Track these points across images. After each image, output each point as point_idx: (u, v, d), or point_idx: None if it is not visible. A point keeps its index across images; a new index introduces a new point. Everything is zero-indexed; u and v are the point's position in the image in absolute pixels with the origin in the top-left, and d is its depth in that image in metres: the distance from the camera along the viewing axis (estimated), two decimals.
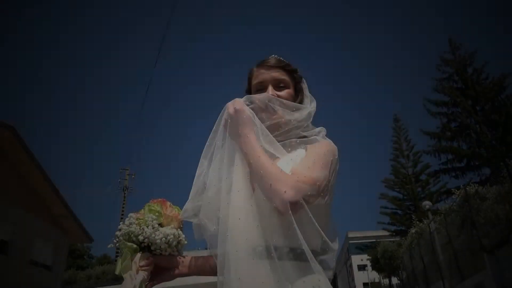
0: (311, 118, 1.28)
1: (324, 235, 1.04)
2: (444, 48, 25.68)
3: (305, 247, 0.98)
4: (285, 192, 0.96)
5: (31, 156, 13.70)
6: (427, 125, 26.76)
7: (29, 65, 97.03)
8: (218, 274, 1.02)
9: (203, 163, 1.20)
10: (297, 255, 1.00)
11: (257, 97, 1.21)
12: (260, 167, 1.03)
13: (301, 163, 1.09)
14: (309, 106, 1.29)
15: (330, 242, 1.06)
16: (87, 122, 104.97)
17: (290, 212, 0.96)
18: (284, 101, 1.22)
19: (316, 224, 1.01)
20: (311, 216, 1.00)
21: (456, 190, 12.60)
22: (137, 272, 1.10)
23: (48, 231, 15.99)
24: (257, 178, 1.04)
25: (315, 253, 1.04)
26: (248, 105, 1.17)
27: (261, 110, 1.20)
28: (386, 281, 30.76)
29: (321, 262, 1.05)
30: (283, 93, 1.26)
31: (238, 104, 1.15)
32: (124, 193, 29.97)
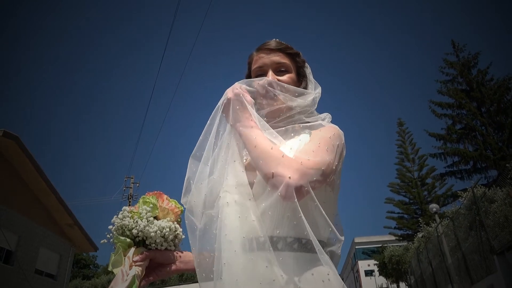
0: (316, 105, 1.21)
1: (331, 224, 0.97)
2: (448, 49, 25.69)
3: (312, 236, 0.91)
4: (289, 177, 0.89)
5: (36, 166, 13.75)
6: (432, 129, 26.61)
7: (33, 73, 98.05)
8: (215, 270, 0.95)
9: (195, 159, 1.13)
10: (302, 245, 0.94)
11: (257, 81, 1.14)
12: (262, 151, 0.96)
13: (305, 146, 1.02)
14: (314, 91, 1.21)
15: (337, 232, 0.99)
16: (91, 131, 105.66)
17: (295, 199, 0.88)
18: (286, 85, 1.15)
19: (323, 211, 0.94)
20: (318, 203, 0.93)
21: (462, 193, 12.46)
22: (130, 267, 1.03)
23: (53, 241, 15.98)
24: (258, 163, 0.97)
25: (322, 244, 0.98)
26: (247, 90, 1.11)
27: (261, 96, 1.14)
28: (394, 286, 30.41)
29: (328, 253, 0.99)
30: (284, 77, 1.19)
31: (237, 88, 1.09)
32: (129, 202, 30.00)
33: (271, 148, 0.96)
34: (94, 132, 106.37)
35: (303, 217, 0.92)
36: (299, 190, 0.89)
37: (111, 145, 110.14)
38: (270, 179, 0.92)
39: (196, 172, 1.10)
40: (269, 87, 1.13)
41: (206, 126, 1.13)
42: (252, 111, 1.06)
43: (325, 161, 0.97)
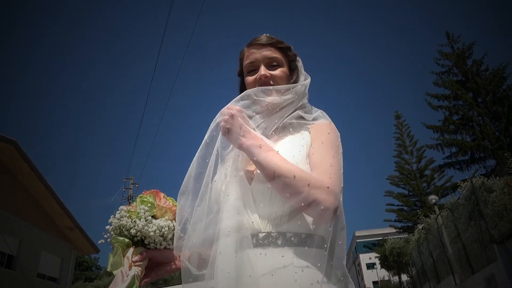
0: (306, 91, 1.20)
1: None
2: (443, 41, 25.65)
3: (311, 231, 0.94)
4: (322, 208, 0.90)
5: (34, 170, 13.69)
6: (429, 121, 26.69)
7: (30, 77, 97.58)
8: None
9: (186, 196, 1.09)
10: (301, 240, 0.96)
11: (250, 93, 1.13)
12: (285, 181, 0.93)
13: (319, 156, 1.02)
14: (301, 82, 1.20)
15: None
16: (89, 133, 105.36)
17: (331, 220, 0.93)
18: (271, 88, 1.14)
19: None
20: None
21: (461, 183, 12.49)
22: (130, 268, 1.03)
23: (54, 244, 15.95)
24: (284, 195, 0.94)
25: (322, 239, 0.99)
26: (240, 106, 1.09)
27: (252, 104, 1.13)
28: (396, 278, 30.55)
29: (329, 247, 1.00)
30: (276, 72, 1.19)
31: (233, 108, 1.05)
32: (129, 202, 29.83)
33: (294, 177, 0.93)
34: (91, 134, 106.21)
35: (302, 214, 0.95)
36: (334, 212, 0.93)
37: (109, 146, 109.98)
38: (304, 205, 0.92)
39: (192, 211, 1.06)
40: (256, 97, 1.12)
41: (196, 157, 1.08)
42: (257, 132, 1.06)
43: (341, 175, 1.01)
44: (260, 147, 0.98)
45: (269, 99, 1.12)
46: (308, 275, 0.91)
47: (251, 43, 1.23)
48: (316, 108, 1.22)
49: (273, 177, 0.94)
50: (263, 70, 1.18)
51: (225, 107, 1.07)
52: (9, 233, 12.84)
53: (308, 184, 0.91)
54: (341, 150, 1.07)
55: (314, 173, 0.97)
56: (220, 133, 1.05)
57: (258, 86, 1.17)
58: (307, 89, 1.21)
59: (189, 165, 1.10)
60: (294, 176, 0.92)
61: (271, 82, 1.18)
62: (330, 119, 1.17)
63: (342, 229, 1.00)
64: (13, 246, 13.24)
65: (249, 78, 1.21)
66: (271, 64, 1.20)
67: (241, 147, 1.01)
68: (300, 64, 1.27)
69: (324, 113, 1.20)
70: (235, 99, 1.12)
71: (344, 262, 0.97)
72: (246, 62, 1.23)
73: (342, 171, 1.02)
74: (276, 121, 1.13)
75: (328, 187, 0.92)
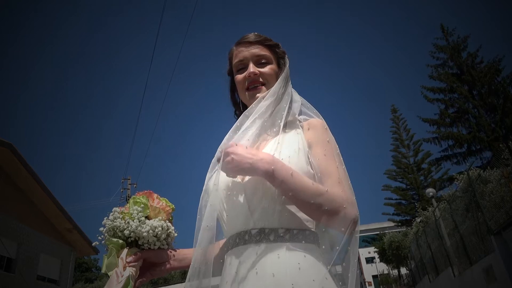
0: (287, 87, 1.18)
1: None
2: (437, 35, 25.73)
3: (302, 227, 0.95)
4: (353, 216, 0.94)
5: (31, 172, 13.64)
6: (425, 115, 26.82)
7: (24, 77, 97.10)
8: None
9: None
10: (293, 236, 0.96)
11: (234, 127, 1.10)
12: (311, 191, 0.93)
13: (327, 165, 1.02)
14: (278, 82, 1.17)
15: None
16: (85, 134, 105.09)
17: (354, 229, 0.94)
18: (252, 105, 1.13)
19: None
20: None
21: (458, 176, 12.55)
22: (124, 268, 1.03)
23: (53, 246, 15.94)
24: (303, 207, 0.95)
25: (314, 235, 1.01)
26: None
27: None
28: (395, 271, 30.72)
29: (324, 243, 1.01)
30: (265, 69, 1.20)
31: (231, 145, 1.00)
32: (128, 203, 29.80)
33: (319, 187, 0.95)
34: (88, 135, 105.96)
35: (293, 209, 0.97)
36: (356, 221, 0.95)
37: (106, 147, 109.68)
38: (334, 221, 0.94)
39: None
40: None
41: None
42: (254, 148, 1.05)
43: (348, 181, 1.03)
44: (273, 168, 0.93)
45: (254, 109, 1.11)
46: (296, 255, 0.93)
47: (240, 42, 1.24)
48: (305, 101, 1.21)
49: (297, 185, 0.93)
50: (251, 68, 1.18)
51: (224, 146, 1.02)
52: (7, 236, 12.81)
53: (343, 200, 0.94)
54: (339, 151, 1.08)
55: (329, 185, 0.98)
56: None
57: (248, 83, 1.19)
58: (287, 84, 1.19)
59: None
60: (318, 185, 0.96)
61: (260, 79, 1.18)
62: (320, 115, 1.17)
63: (356, 236, 0.99)
64: (12, 249, 13.21)
65: (239, 76, 1.21)
66: (259, 61, 1.20)
67: (256, 173, 0.95)
68: (287, 61, 1.25)
69: (313, 109, 1.20)
70: (229, 131, 1.08)
71: (355, 270, 0.94)
72: (235, 60, 1.23)
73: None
74: (266, 123, 1.11)
75: (351, 194, 0.98)
